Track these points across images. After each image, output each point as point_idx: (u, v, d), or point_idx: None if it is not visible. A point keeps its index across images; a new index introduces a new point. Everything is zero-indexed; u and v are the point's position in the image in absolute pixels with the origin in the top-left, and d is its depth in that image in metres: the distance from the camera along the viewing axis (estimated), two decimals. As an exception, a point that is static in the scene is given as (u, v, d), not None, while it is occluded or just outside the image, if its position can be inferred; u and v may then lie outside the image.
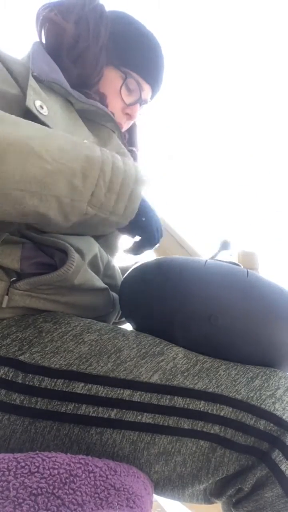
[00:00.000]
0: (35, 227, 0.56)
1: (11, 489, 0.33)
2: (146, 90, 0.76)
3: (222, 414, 0.45)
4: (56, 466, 0.36)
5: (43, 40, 0.70)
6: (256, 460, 0.44)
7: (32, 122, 0.49)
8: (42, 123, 0.54)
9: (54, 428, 0.45)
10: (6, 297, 0.51)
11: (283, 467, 0.43)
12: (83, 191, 0.48)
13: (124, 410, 0.45)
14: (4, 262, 0.51)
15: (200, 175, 2.07)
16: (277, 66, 1.95)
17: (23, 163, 0.44)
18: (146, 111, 0.83)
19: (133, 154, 0.81)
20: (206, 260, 0.55)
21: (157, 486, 0.47)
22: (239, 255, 1.03)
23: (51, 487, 0.34)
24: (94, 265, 0.61)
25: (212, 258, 0.80)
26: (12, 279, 0.52)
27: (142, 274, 0.58)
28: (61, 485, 0.34)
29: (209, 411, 0.45)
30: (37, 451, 0.37)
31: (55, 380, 0.46)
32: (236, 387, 0.46)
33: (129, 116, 0.76)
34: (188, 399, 0.45)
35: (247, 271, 0.53)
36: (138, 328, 0.58)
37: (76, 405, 0.45)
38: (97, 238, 0.64)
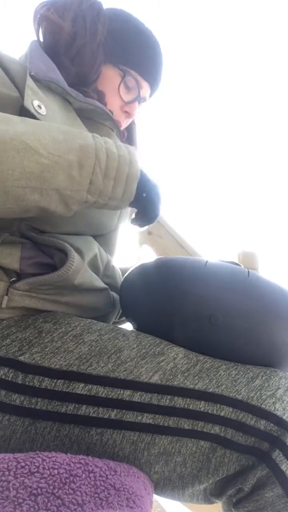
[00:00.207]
0: (35, 227, 0.56)
1: (11, 489, 0.33)
2: (145, 88, 0.76)
3: (222, 414, 0.45)
4: (56, 466, 0.36)
5: (41, 39, 0.70)
6: (257, 460, 0.44)
7: (23, 117, 0.49)
8: None
9: (54, 428, 0.45)
10: (5, 298, 0.51)
11: (283, 467, 0.43)
12: (81, 180, 0.48)
13: (124, 411, 0.45)
14: (3, 262, 0.51)
15: (200, 175, 2.07)
16: (277, 66, 1.95)
17: (21, 160, 0.44)
18: (145, 110, 0.83)
19: None
20: (207, 260, 0.55)
21: (157, 486, 0.47)
22: (239, 255, 1.03)
23: (51, 487, 0.34)
24: (94, 265, 0.61)
25: None
26: (11, 279, 0.52)
27: (143, 274, 0.58)
28: (61, 485, 0.34)
29: (210, 411, 0.45)
30: (37, 451, 0.37)
31: (55, 380, 0.46)
32: (237, 387, 0.46)
33: (128, 114, 0.76)
34: (188, 400, 0.45)
35: (248, 271, 0.53)
36: (138, 328, 0.57)
37: (76, 405, 0.45)
38: (96, 238, 0.64)
